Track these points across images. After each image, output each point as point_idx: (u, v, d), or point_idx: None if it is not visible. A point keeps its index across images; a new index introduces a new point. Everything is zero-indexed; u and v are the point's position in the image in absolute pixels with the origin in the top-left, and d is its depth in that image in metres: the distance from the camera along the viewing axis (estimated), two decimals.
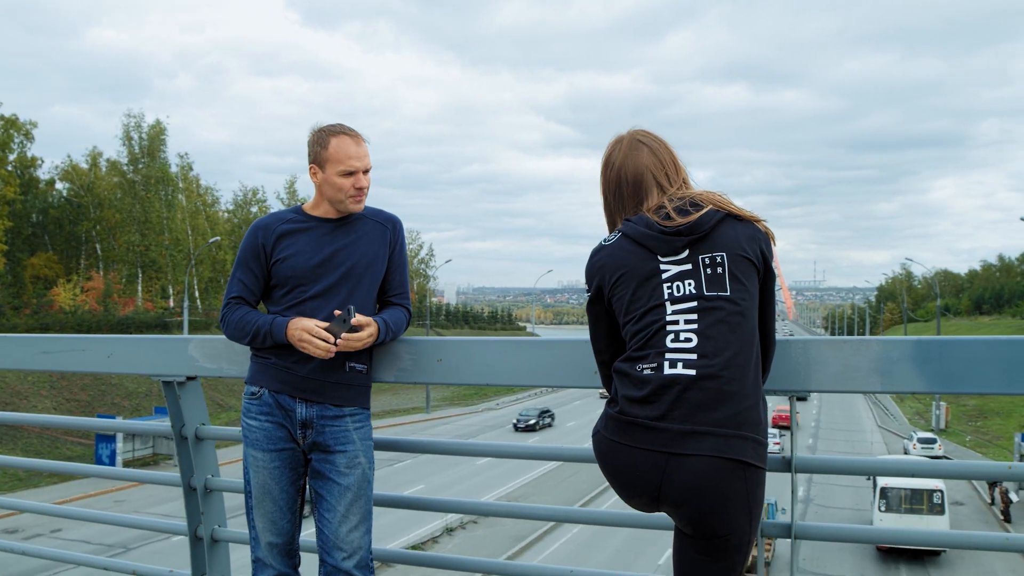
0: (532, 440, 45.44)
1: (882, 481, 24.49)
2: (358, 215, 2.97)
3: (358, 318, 2.80)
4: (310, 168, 2.92)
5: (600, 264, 2.23)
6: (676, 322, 2.08)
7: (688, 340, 2.06)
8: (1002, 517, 27.48)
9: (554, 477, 33.74)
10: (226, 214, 71.39)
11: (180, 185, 60.96)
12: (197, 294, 60.88)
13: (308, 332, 2.77)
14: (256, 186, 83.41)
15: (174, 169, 60.63)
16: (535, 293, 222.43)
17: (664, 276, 2.14)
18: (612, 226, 2.37)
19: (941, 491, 24.01)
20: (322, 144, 2.88)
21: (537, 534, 26.01)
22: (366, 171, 2.90)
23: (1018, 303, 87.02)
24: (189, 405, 3.50)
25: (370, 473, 2.92)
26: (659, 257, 2.16)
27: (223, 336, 3.29)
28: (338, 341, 2.77)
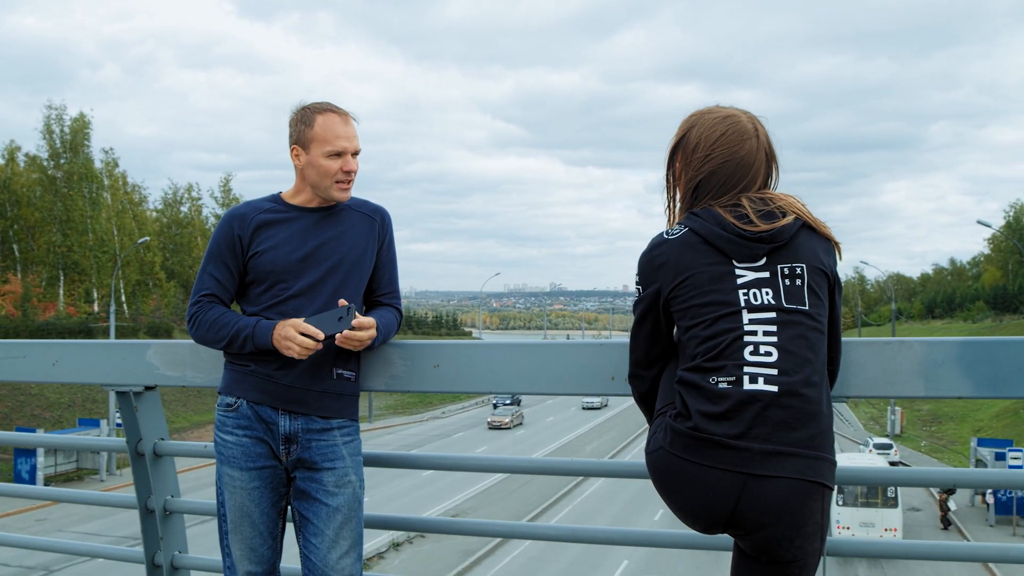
0: (510, 439, 45.45)
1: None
2: (343, 205, 2.78)
3: (359, 319, 2.61)
4: (292, 150, 2.72)
5: (663, 261, 2.08)
6: (755, 332, 1.98)
7: (768, 354, 1.96)
8: (941, 526, 28.14)
9: (502, 489, 33.60)
10: (155, 213, 69.87)
11: (105, 182, 59.21)
12: (124, 298, 59.33)
13: (293, 328, 2.57)
14: (188, 183, 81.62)
15: (98, 165, 58.89)
16: (481, 297, 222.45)
17: (739, 281, 2.02)
18: (671, 214, 2.23)
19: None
20: (306, 122, 2.68)
21: (487, 548, 25.84)
22: (355, 153, 2.71)
23: (969, 307, 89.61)
24: (147, 418, 3.27)
25: (361, 492, 2.73)
26: (733, 261, 2.04)
27: (187, 340, 3.07)
28: (337, 336, 2.58)
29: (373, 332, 2.65)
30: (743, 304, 1.99)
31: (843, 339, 2.48)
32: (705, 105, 2.22)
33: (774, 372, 1.94)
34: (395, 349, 2.84)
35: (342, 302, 2.61)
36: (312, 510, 2.66)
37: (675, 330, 2.13)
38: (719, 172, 2.11)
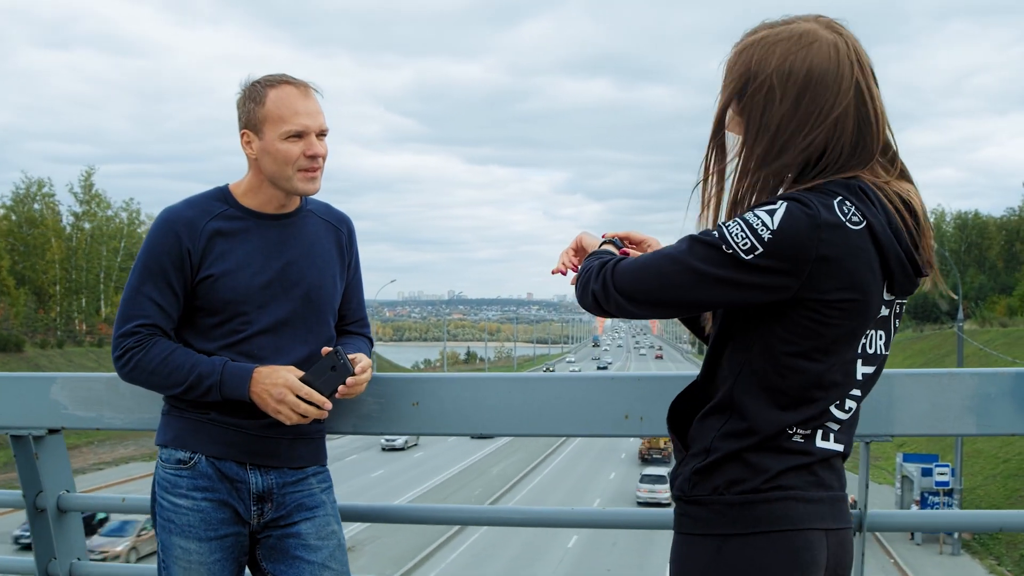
0: (408, 462, 45.03)
1: None
2: (306, 211, 2.51)
3: (358, 362, 2.38)
4: (241, 136, 2.39)
5: (830, 256, 1.58)
6: (856, 389, 1.72)
7: (850, 410, 1.73)
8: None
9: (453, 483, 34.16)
10: (2, 210, 66.68)
11: None
12: None
13: (291, 391, 2.29)
14: (42, 177, 78.01)
15: None
16: (373, 306, 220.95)
17: (874, 320, 1.70)
18: (757, 189, 1.69)
19: None
20: (256, 99, 2.35)
21: (443, 538, 27.11)
22: (321, 134, 2.38)
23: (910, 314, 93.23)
24: (50, 467, 2.96)
25: (344, 542, 2.49)
26: (885, 293, 1.69)
27: (102, 374, 2.77)
28: (340, 389, 2.34)
29: (370, 374, 2.42)
30: (859, 352, 1.70)
31: (892, 372, 2.40)
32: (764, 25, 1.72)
33: (839, 429, 1.73)
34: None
35: (326, 350, 2.35)
36: (293, 570, 2.40)
37: (738, 325, 1.71)
38: (849, 129, 1.66)
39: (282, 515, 2.41)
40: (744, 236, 1.58)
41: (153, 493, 2.44)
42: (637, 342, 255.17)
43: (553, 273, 2.15)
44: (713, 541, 1.66)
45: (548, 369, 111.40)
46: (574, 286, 1.86)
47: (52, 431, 2.91)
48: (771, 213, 1.58)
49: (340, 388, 2.33)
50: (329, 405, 2.32)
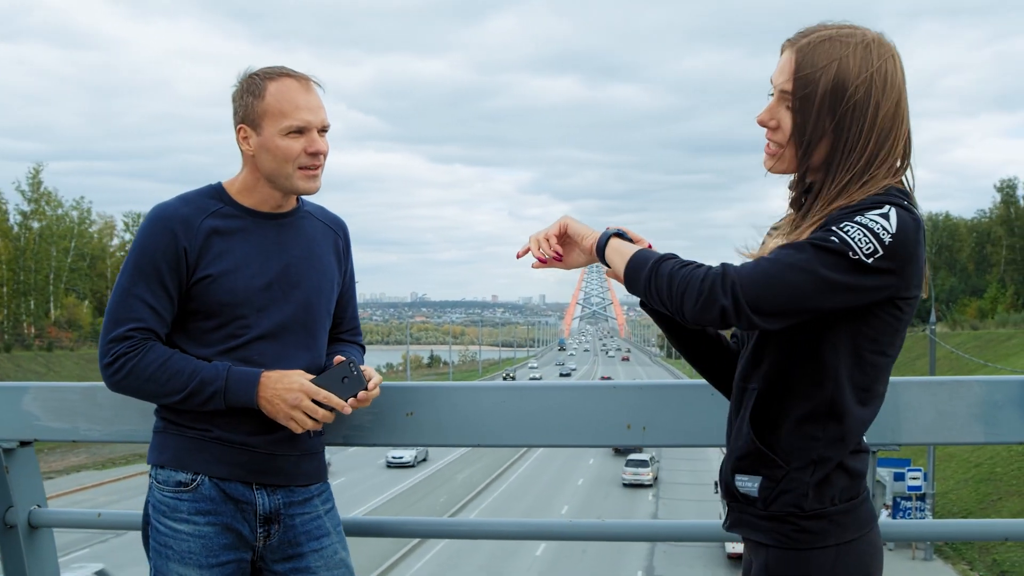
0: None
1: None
2: (304, 212, 2.46)
3: (370, 376, 2.34)
4: (238, 131, 2.34)
5: (922, 255, 1.72)
6: None
7: None
8: None
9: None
10: None
11: None
12: None
13: (307, 395, 2.24)
14: None
15: None
16: None
17: None
18: (862, 190, 1.74)
19: None
20: (255, 92, 2.29)
21: (387, 564, 26.98)
22: (323, 130, 2.33)
23: None
24: (21, 481, 2.89)
25: (353, 569, 2.45)
26: None
27: (77, 384, 2.72)
28: (350, 401, 2.29)
29: (377, 380, 2.37)
30: None
31: (898, 379, 2.41)
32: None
33: None
34: None
35: (339, 359, 2.31)
36: None
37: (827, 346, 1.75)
38: (907, 136, 1.82)
39: (289, 541, 2.36)
40: (868, 241, 1.64)
41: (146, 515, 2.36)
42: (604, 344, 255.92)
43: (520, 256, 2.11)
44: (832, 551, 1.76)
45: (509, 376, 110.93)
46: (636, 291, 1.81)
47: (24, 443, 2.85)
48: (885, 217, 1.66)
49: (351, 401, 2.28)
50: (349, 409, 2.27)
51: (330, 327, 2.51)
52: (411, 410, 2.57)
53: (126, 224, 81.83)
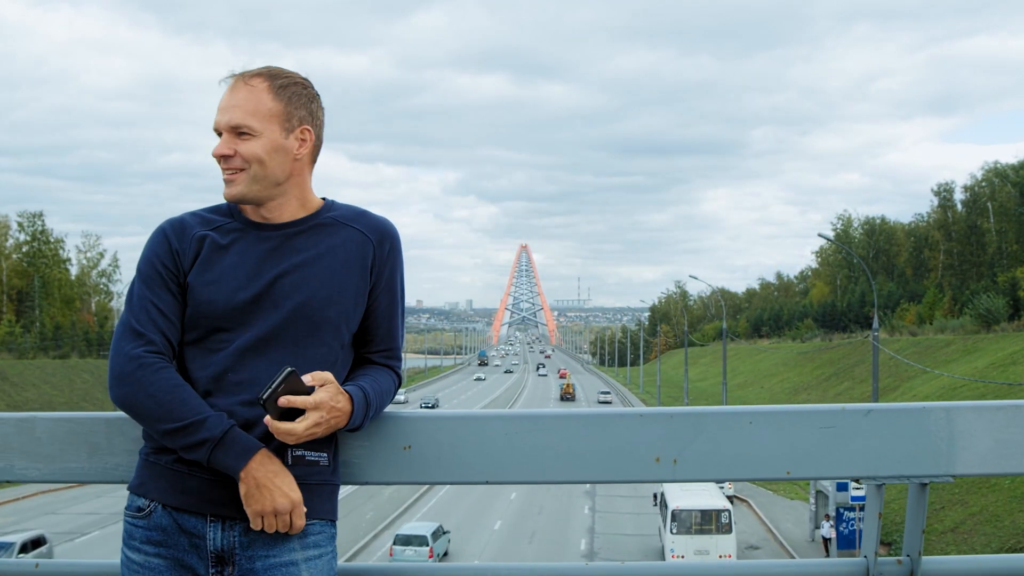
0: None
1: (673, 504, 29.59)
2: (330, 219, 2.31)
3: (288, 396, 2.09)
4: None
5: None
6: None
7: None
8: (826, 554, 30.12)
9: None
10: None
11: None
12: None
13: (297, 515, 2.14)
14: None
15: None
16: None
17: None
18: None
19: (728, 511, 29.81)
20: None
21: None
22: (238, 131, 2.23)
23: (798, 324, 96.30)
24: None
25: None
26: None
27: (12, 414, 2.46)
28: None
29: (319, 417, 2.11)
30: None
31: (953, 404, 2.32)
32: None
33: None
34: None
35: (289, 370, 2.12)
36: None
37: None
38: None
39: None
40: None
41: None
42: (531, 347, 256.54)
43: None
44: None
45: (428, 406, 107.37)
46: None
47: None
48: None
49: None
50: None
51: (358, 346, 2.36)
52: (408, 443, 2.35)
53: (20, 225, 79.33)
